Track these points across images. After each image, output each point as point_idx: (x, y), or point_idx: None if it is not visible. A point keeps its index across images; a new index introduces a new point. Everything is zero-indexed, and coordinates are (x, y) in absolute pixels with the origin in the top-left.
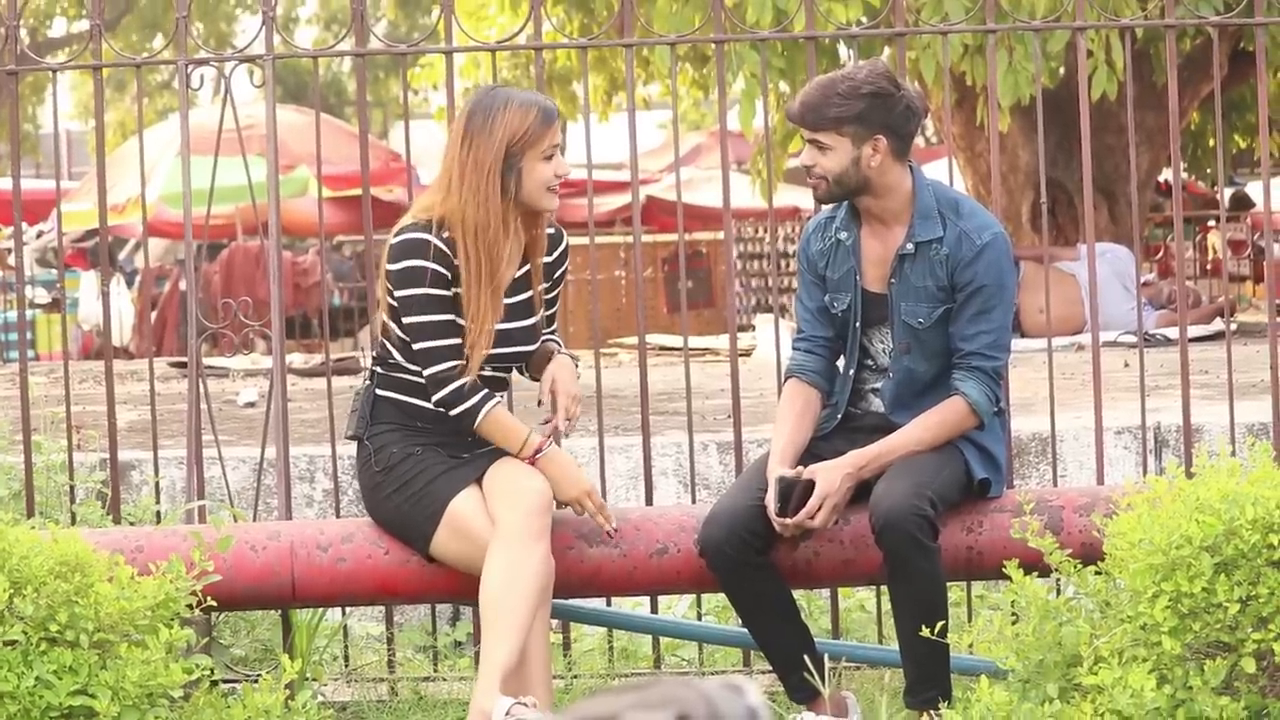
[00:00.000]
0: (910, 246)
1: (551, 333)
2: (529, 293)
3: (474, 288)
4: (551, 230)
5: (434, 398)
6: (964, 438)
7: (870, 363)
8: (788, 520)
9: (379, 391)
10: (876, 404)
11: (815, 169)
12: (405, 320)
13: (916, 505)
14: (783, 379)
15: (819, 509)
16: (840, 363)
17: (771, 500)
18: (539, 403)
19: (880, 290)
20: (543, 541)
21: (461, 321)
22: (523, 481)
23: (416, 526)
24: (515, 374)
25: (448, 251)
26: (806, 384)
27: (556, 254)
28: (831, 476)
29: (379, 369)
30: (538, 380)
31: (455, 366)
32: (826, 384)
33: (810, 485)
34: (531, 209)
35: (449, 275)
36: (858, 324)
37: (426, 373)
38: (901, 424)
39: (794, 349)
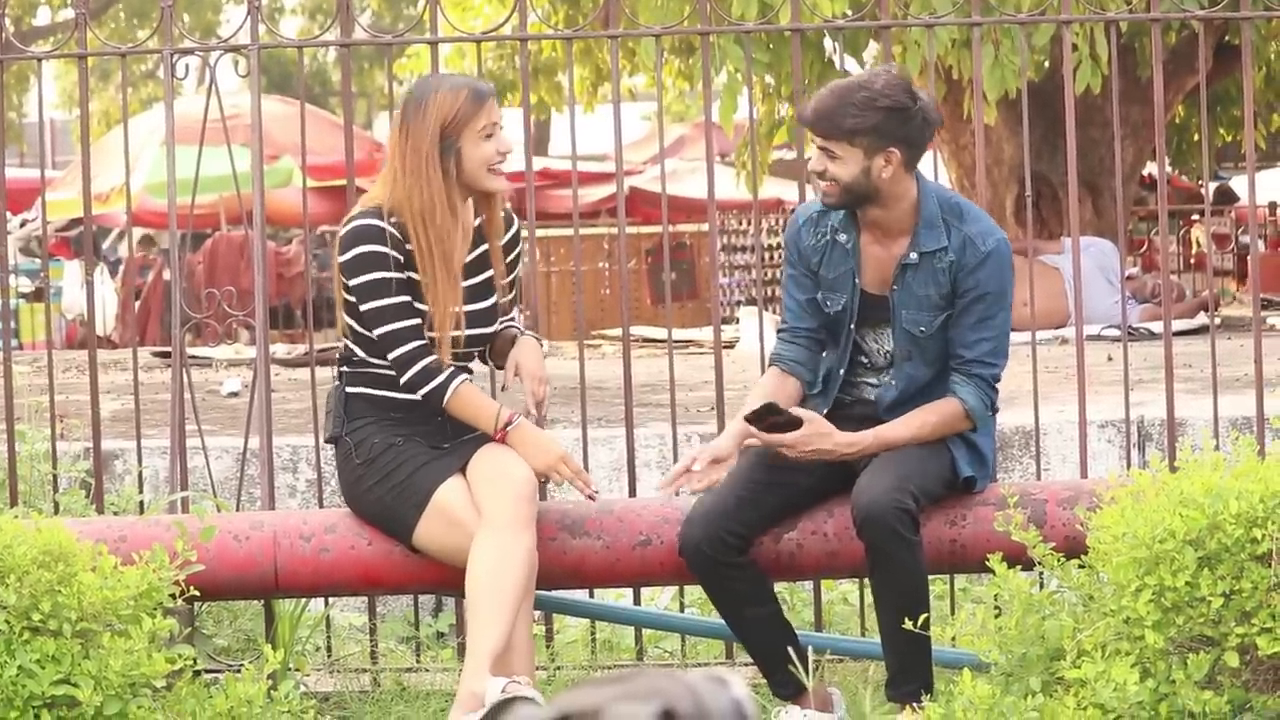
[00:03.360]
0: (914, 256)
1: (511, 318)
2: (486, 274)
3: (429, 274)
4: (505, 211)
5: (401, 380)
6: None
7: (864, 360)
8: (676, 486)
9: (349, 389)
10: (868, 393)
11: (826, 174)
12: (364, 307)
13: (898, 499)
14: (768, 364)
15: (785, 447)
16: (825, 355)
17: (750, 407)
18: (503, 387)
19: (879, 292)
20: (529, 528)
21: (421, 306)
22: (508, 469)
23: (399, 517)
24: (482, 363)
25: (399, 236)
26: (786, 372)
27: (508, 237)
28: (810, 435)
29: (346, 368)
30: (501, 367)
31: (419, 347)
32: (809, 374)
33: (792, 423)
34: (477, 190)
35: (402, 259)
36: (852, 325)
37: (390, 357)
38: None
39: (778, 337)
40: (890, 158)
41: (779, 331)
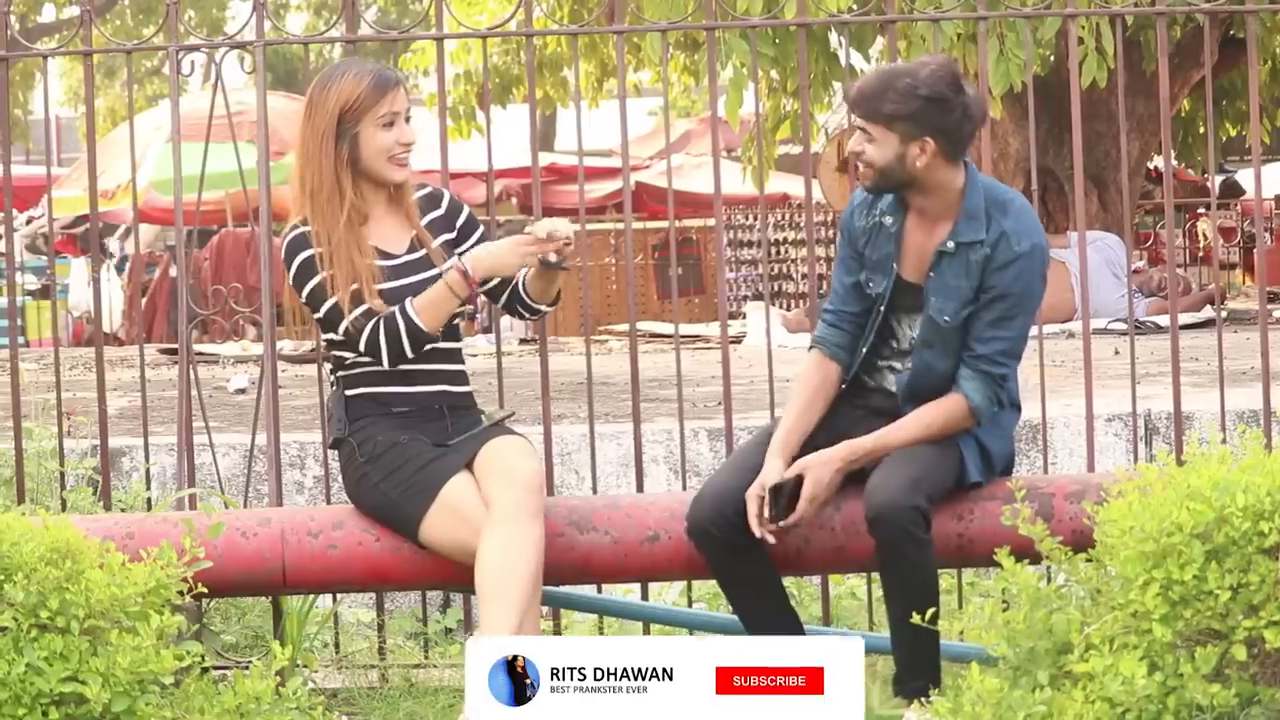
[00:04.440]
0: (951, 245)
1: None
2: (423, 251)
3: (325, 244)
4: (429, 190)
5: (384, 361)
6: (966, 433)
7: (893, 343)
8: (773, 526)
9: (348, 392)
10: (890, 381)
11: (863, 155)
12: (322, 310)
13: (912, 499)
14: (808, 348)
15: (810, 507)
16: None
17: (766, 506)
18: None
19: (915, 280)
20: (539, 520)
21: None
22: (516, 462)
23: (405, 513)
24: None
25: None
26: (828, 357)
27: (445, 208)
28: (820, 475)
29: (341, 372)
30: (535, 295)
31: (375, 321)
32: (848, 358)
33: (800, 481)
34: (378, 179)
35: None
36: (883, 307)
37: (362, 347)
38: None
39: (821, 320)
40: (925, 147)
41: (823, 312)
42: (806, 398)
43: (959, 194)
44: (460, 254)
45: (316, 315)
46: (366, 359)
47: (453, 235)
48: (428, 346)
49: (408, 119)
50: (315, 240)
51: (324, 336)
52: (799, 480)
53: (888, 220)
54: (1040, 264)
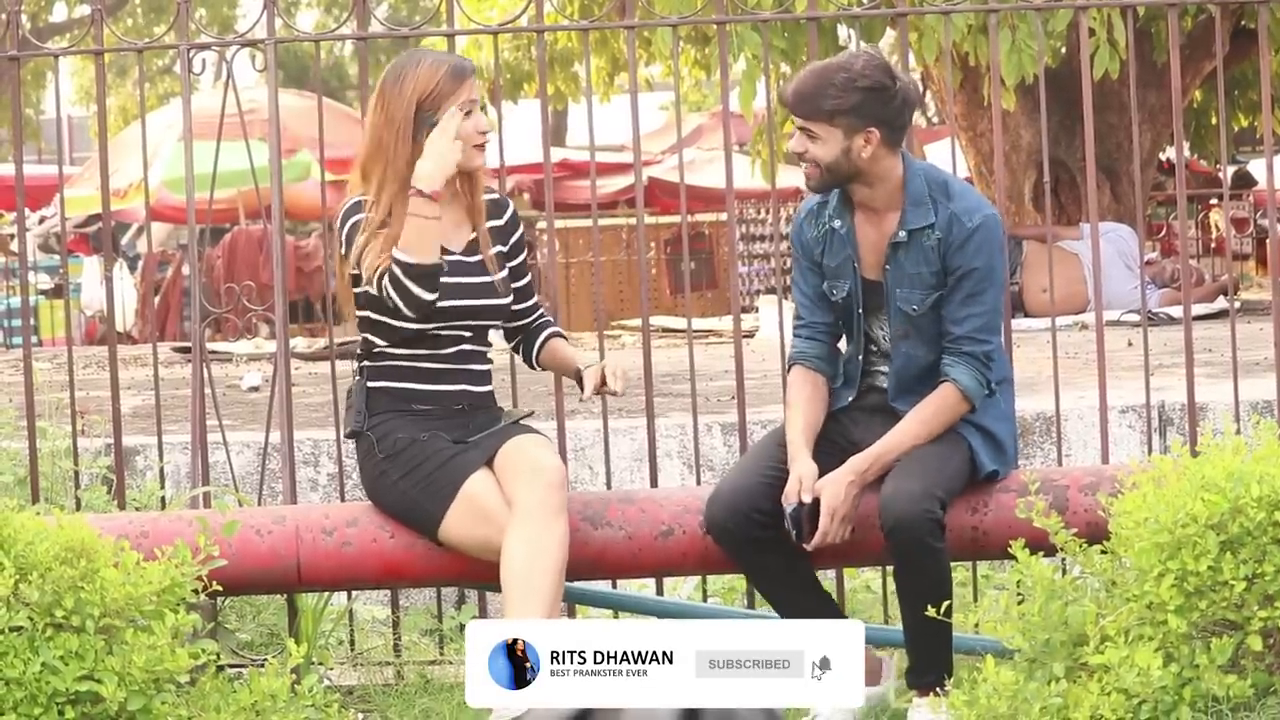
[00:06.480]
0: (903, 234)
1: (536, 306)
2: (479, 256)
3: (377, 206)
4: (495, 196)
5: (407, 309)
6: (968, 424)
7: (875, 348)
8: (807, 546)
9: (371, 384)
10: (882, 381)
11: (806, 155)
12: (362, 269)
13: (928, 509)
14: (786, 367)
15: (831, 524)
16: (842, 345)
17: (789, 526)
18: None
19: (877, 278)
20: (562, 516)
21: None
22: (538, 459)
23: (426, 511)
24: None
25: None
26: (810, 370)
27: (505, 219)
28: (835, 491)
29: (367, 362)
30: (546, 368)
31: (384, 272)
32: (829, 368)
33: (819, 502)
34: (459, 168)
35: None
36: (860, 310)
37: (387, 299)
38: (904, 411)
39: (795, 335)
40: (870, 138)
41: (796, 328)
42: (805, 399)
43: (900, 182)
44: (511, 268)
45: (360, 278)
46: (394, 351)
47: (505, 249)
48: (457, 347)
49: (483, 108)
50: (371, 206)
51: (359, 313)
52: (817, 502)
53: (837, 224)
54: (994, 234)
